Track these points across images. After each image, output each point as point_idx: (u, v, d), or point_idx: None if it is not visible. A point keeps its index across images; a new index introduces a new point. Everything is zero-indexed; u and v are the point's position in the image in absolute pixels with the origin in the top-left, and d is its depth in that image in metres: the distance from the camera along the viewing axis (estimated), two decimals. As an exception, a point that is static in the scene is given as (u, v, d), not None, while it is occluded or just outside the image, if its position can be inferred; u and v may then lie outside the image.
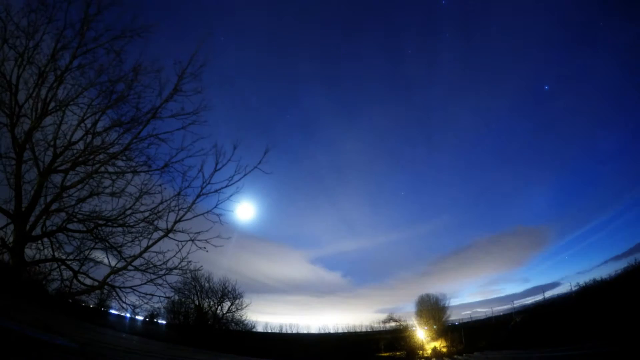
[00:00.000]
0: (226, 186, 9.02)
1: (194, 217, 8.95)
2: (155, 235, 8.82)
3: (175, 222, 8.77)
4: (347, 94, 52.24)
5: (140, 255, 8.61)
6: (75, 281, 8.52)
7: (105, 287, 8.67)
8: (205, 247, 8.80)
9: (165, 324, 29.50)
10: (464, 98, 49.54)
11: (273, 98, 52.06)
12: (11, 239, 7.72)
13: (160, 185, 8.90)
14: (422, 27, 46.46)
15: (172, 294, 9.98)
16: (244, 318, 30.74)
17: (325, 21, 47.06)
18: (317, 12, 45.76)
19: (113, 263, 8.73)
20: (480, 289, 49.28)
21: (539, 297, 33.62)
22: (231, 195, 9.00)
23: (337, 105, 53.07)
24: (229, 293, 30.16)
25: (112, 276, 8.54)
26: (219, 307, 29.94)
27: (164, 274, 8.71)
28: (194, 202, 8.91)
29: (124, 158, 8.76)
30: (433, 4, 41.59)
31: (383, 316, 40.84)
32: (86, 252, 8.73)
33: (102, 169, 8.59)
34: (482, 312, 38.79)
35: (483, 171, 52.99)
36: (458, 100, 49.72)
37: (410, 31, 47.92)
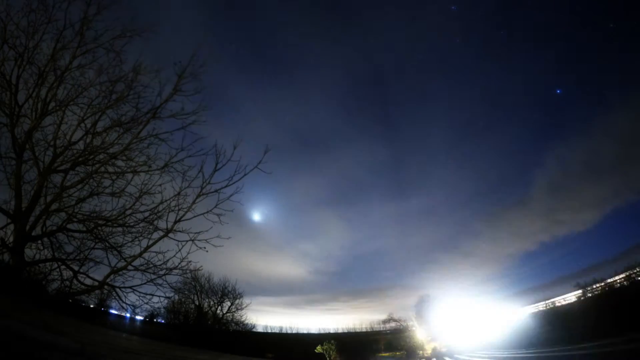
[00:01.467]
0: (226, 186, 9.01)
1: (194, 217, 8.94)
2: (155, 235, 8.82)
3: (175, 222, 8.76)
4: (349, 94, 52.23)
5: (140, 255, 8.60)
6: (75, 281, 8.51)
7: (105, 287, 8.66)
8: (205, 247, 8.79)
9: (165, 324, 29.51)
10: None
11: (275, 98, 52.13)
12: (11, 239, 7.71)
13: (160, 185, 8.89)
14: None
15: (172, 294, 9.97)
16: (244, 318, 30.83)
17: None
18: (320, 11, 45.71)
19: (113, 263, 8.73)
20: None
21: (539, 297, 33.55)
22: (231, 195, 8.99)
23: (338, 108, 53.00)
24: (229, 293, 30.24)
25: (112, 276, 8.53)
26: (219, 307, 30.00)
27: (164, 274, 8.70)
28: (194, 202, 8.90)
29: (124, 158, 8.75)
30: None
31: (383, 316, 40.89)
32: (86, 252, 8.72)
33: (102, 169, 8.59)
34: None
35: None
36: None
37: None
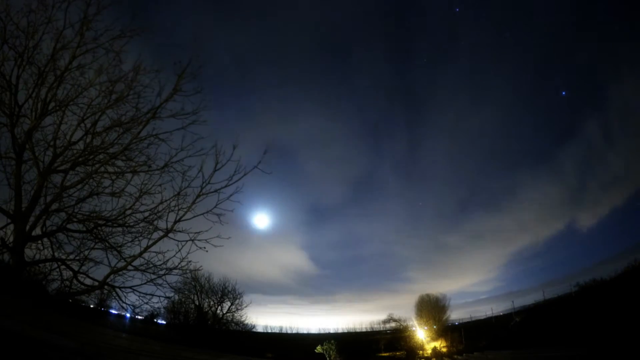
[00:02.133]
0: (226, 186, 9.01)
1: (194, 217, 8.94)
2: (155, 235, 8.81)
3: (175, 222, 8.77)
4: (348, 91, 52.30)
5: (140, 255, 8.60)
6: (75, 281, 8.51)
7: (105, 287, 8.65)
8: (205, 247, 8.80)
9: (165, 324, 29.50)
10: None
11: (273, 96, 52.22)
12: (11, 239, 7.71)
13: (160, 185, 8.89)
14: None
15: (172, 294, 9.97)
16: (244, 318, 30.81)
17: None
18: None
19: (113, 263, 8.73)
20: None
21: (539, 297, 33.58)
22: (231, 195, 9.00)
23: (336, 108, 53.08)
24: (229, 293, 30.23)
25: (112, 276, 8.53)
26: (219, 307, 29.99)
27: (164, 274, 8.70)
28: (193, 202, 8.90)
29: (124, 158, 8.74)
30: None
31: (382, 317, 40.92)
32: (86, 252, 8.72)
33: (102, 169, 8.58)
34: (482, 312, 38.82)
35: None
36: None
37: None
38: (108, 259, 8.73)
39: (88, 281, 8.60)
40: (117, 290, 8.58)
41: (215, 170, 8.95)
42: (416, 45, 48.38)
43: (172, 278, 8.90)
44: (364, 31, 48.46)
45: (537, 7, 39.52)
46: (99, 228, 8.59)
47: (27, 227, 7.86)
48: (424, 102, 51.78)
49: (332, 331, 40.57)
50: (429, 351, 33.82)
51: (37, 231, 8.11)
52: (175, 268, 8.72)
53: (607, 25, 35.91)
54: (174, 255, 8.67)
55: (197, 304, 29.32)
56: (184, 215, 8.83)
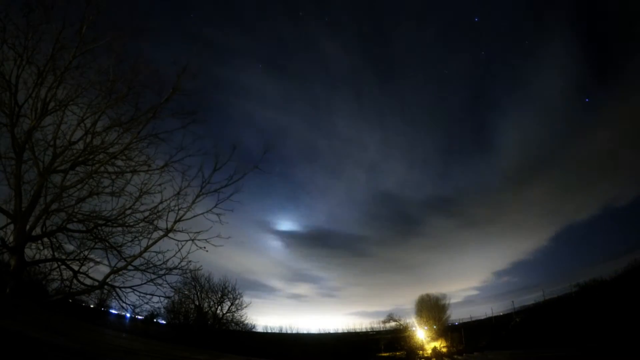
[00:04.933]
0: (226, 185, 9.02)
1: (194, 216, 8.94)
2: (155, 235, 8.81)
3: (175, 222, 8.76)
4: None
5: (140, 255, 8.59)
6: (75, 281, 8.50)
7: (105, 287, 8.65)
8: (205, 247, 8.80)
9: (165, 324, 29.51)
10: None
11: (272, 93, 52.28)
12: (11, 239, 7.71)
13: (160, 184, 8.88)
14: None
15: (172, 294, 9.96)
16: (243, 318, 30.84)
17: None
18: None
19: (113, 263, 8.73)
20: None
21: (539, 297, 33.53)
22: (231, 195, 9.00)
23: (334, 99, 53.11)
24: (228, 293, 30.24)
25: (112, 276, 8.52)
26: (219, 307, 29.99)
27: (164, 274, 8.69)
28: (193, 202, 8.90)
29: (124, 158, 8.74)
30: None
31: (382, 317, 40.93)
32: (86, 252, 8.72)
33: (102, 168, 8.57)
34: (482, 312, 38.79)
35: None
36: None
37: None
38: (108, 259, 8.74)
39: (88, 281, 8.59)
40: (117, 290, 8.57)
41: (215, 170, 8.97)
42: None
43: (172, 278, 8.91)
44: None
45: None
46: (99, 228, 8.58)
47: (27, 227, 7.85)
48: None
49: (332, 331, 40.59)
50: (429, 351, 33.79)
51: (37, 231, 8.10)
52: (175, 268, 8.71)
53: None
54: (174, 255, 8.67)
55: (197, 304, 29.33)
56: (184, 215, 8.83)
